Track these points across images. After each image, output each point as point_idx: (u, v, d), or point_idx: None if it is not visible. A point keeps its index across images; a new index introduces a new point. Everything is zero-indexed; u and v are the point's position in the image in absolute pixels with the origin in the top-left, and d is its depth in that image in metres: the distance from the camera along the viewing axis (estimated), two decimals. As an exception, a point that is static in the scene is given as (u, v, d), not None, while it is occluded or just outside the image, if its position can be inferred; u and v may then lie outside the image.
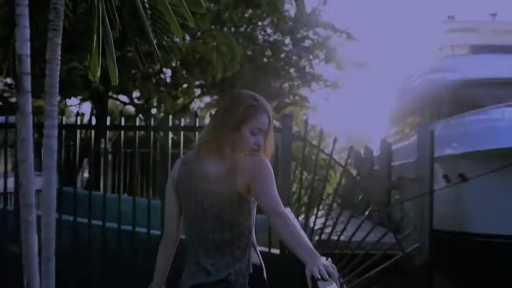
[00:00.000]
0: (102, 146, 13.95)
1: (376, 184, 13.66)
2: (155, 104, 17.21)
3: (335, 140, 7.09)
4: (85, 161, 13.96)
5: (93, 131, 7.11)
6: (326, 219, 7.98)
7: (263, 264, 2.89)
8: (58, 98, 4.17)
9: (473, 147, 10.12)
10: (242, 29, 19.48)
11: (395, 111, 19.20)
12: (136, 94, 17.89)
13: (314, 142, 7.27)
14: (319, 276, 2.30)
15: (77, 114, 7.03)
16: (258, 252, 2.92)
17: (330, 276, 2.31)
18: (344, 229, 7.85)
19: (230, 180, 2.72)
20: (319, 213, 8.14)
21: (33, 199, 3.83)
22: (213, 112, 6.84)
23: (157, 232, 6.36)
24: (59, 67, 4.00)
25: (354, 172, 11.23)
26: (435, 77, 15.17)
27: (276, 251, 6.40)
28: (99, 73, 4.50)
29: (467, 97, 12.26)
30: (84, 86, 13.31)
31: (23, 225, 3.79)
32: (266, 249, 6.40)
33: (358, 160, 16.94)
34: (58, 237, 6.28)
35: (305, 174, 12.98)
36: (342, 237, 7.92)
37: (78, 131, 6.93)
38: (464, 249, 10.49)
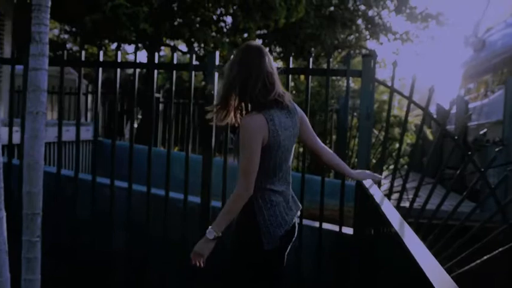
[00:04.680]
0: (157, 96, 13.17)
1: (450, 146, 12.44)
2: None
3: (431, 90, 5.55)
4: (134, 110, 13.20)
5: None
6: (392, 183, 6.97)
7: None
8: (48, 17, 3.16)
9: None
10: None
11: (470, 67, 17.75)
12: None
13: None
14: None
15: (99, 47, 5.83)
16: None
17: None
18: (416, 194, 6.88)
19: (295, 126, 3.30)
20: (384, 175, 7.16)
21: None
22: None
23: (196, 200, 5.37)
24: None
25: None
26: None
27: (349, 231, 5.26)
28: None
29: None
30: (130, 26, 12.41)
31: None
32: (336, 229, 5.29)
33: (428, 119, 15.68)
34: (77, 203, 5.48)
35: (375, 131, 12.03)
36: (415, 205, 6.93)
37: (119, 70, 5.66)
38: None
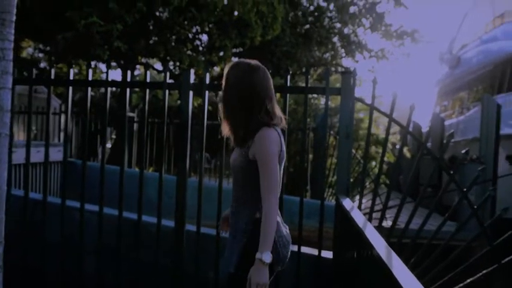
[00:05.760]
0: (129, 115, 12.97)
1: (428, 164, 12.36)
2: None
3: (412, 108, 5.33)
4: (108, 130, 12.94)
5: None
6: (373, 202, 6.87)
7: None
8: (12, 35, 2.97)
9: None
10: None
11: (446, 84, 17.79)
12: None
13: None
14: None
15: (70, 65, 5.64)
16: None
17: None
18: (398, 215, 6.77)
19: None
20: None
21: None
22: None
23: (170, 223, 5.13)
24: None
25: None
26: (494, 47, 13.77)
27: (328, 255, 5.08)
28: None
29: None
30: (103, 44, 12.25)
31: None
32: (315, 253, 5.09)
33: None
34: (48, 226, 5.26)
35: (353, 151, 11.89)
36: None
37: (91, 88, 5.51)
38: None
